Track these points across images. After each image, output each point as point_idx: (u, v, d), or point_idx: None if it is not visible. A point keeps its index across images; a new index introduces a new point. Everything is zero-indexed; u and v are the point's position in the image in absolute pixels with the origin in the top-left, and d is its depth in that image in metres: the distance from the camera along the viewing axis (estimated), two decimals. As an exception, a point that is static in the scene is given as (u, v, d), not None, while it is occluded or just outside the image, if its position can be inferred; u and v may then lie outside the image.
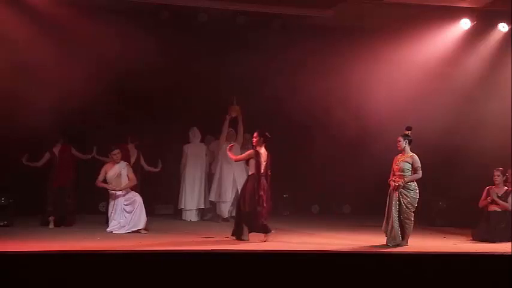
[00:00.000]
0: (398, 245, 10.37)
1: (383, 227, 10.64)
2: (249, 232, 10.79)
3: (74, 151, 12.49)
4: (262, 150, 10.96)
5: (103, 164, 12.05)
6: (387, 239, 10.51)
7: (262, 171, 10.86)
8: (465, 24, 13.24)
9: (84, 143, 12.86)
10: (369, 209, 13.90)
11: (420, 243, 10.73)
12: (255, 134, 11.05)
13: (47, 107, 11.95)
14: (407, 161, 10.51)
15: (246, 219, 10.83)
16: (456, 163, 13.32)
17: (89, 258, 8.22)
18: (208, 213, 13.71)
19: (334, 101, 13.82)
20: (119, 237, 11.07)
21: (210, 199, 13.47)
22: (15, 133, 12.32)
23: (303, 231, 12.18)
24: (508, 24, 13.16)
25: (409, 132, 10.64)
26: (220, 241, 10.71)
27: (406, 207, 10.43)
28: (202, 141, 13.65)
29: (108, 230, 11.61)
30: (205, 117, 13.74)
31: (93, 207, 13.43)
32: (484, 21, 13.19)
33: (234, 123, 13.18)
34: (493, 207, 11.50)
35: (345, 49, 13.37)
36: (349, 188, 14.97)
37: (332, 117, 13.90)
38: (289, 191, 14.97)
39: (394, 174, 10.59)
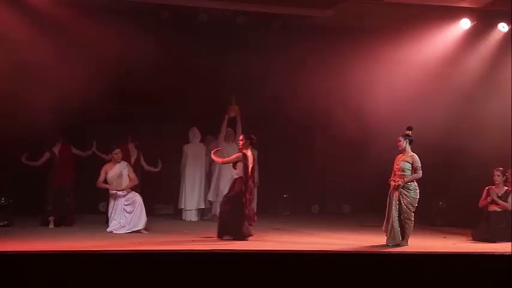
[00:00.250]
0: (398, 245, 10.38)
1: (383, 227, 10.65)
2: (233, 239, 10.78)
3: (73, 149, 12.49)
4: (249, 153, 11.03)
5: (103, 163, 12.04)
6: (387, 239, 10.52)
7: (249, 173, 10.92)
8: (465, 24, 13.24)
9: (84, 143, 12.85)
10: (369, 209, 13.92)
11: (420, 243, 10.73)
12: (241, 137, 11.17)
13: (47, 107, 11.94)
14: (407, 160, 10.51)
15: (229, 223, 10.86)
16: (456, 163, 13.32)
17: (89, 258, 8.23)
18: (209, 213, 13.71)
19: (334, 101, 13.81)
20: (119, 237, 11.07)
21: (208, 198, 13.49)
22: (15, 133, 12.31)
23: (303, 231, 12.18)
24: (508, 24, 13.15)
25: (409, 132, 10.65)
26: (220, 241, 10.71)
27: (406, 207, 10.43)
28: (202, 141, 13.66)
29: (108, 230, 11.61)
30: (205, 117, 13.74)
31: (93, 207, 13.43)
32: (484, 21, 13.19)
33: (233, 123, 13.18)
34: (493, 207, 11.50)
35: (345, 49, 13.36)
36: (349, 188, 14.97)
37: (332, 117, 13.90)
38: (289, 191, 14.99)
39: (395, 174, 10.60)
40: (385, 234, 10.58)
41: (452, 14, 13.06)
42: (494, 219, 11.40)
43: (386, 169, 10.85)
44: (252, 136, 11.06)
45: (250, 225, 10.98)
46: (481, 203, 11.60)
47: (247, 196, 10.90)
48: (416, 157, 10.53)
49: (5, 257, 8.05)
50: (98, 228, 11.69)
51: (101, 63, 12.35)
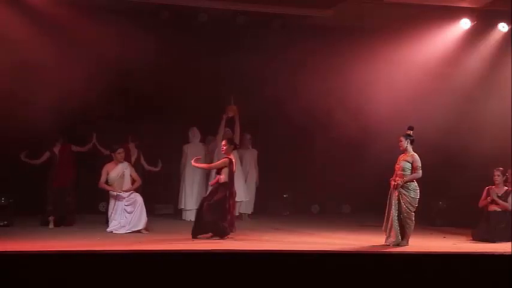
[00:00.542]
0: (398, 245, 10.37)
1: (383, 227, 10.65)
2: (212, 237, 10.86)
3: (73, 147, 12.49)
4: (233, 158, 11.14)
5: (103, 163, 12.03)
6: (386, 239, 10.51)
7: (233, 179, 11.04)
8: (465, 24, 13.24)
9: (84, 142, 12.84)
10: (369, 209, 13.91)
11: (420, 243, 10.72)
12: (224, 142, 11.23)
13: (47, 107, 11.96)
14: (407, 160, 10.51)
15: (208, 223, 10.90)
16: (456, 163, 13.31)
17: (89, 258, 8.23)
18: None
19: (334, 100, 13.82)
20: (119, 237, 11.07)
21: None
22: (15, 133, 12.31)
23: (303, 231, 12.18)
24: (508, 24, 13.16)
25: (411, 132, 10.64)
26: (220, 241, 10.71)
27: (406, 207, 10.42)
28: (202, 141, 13.65)
29: (108, 230, 11.60)
30: (205, 117, 13.73)
31: (93, 207, 13.43)
32: (484, 21, 13.19)
33: (231, 123, 13.18)
34: (493, 207, 11.50)
35: (345, 49, 13.37)
36: (349, 188, 14.96)
37: (332, 117, 13.90)
38: (289, 191, 14.98)
39: (396, 174, 10.60)
40: (384, 234, 10.58)
41: (452, 14, 13.07)
42: (494, 219, 11.39)
43: (386, 169, 10.85)
44: (235, 142, 11.43)
45: (231, 231, 11.00)
46: (481, 203, 11.60)
47: (231, 202, 10.97)
48: (416, 157, 10.53)
49: (5, 257, 8.05)
50: (98, 228, 11.69)
51: (101, 63, 12.36)
